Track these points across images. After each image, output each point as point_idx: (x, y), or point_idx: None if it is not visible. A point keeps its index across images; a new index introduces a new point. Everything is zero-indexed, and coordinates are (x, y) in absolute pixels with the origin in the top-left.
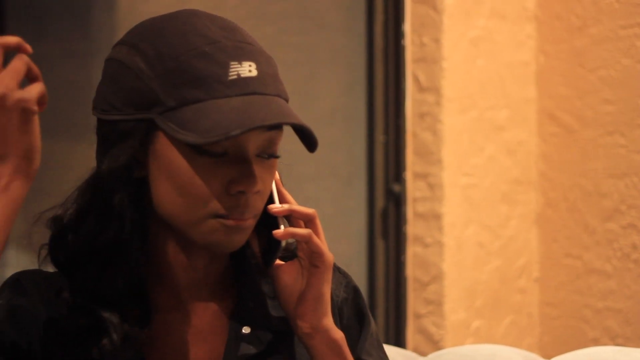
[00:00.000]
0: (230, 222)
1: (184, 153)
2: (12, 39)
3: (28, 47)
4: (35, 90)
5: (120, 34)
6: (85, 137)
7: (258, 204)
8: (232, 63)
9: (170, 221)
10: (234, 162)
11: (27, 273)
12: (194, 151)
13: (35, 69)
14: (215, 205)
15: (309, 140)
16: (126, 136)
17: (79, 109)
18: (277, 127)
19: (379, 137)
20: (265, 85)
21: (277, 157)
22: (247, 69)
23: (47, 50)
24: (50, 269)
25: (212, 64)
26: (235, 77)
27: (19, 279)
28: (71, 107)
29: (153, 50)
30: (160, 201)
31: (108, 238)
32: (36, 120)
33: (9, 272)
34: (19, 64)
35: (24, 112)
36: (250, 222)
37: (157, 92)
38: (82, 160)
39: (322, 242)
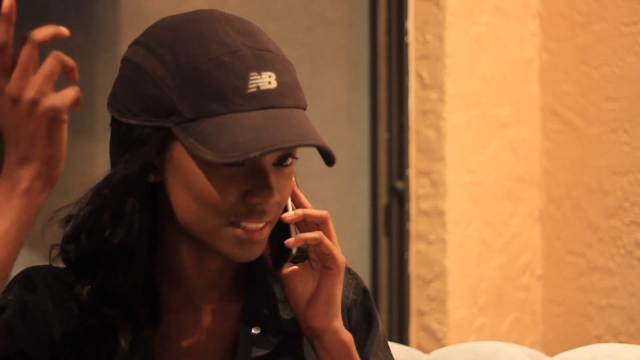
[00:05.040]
0: (245, 235)
1: (200, 163)
2: (46, 31)
3: (64, 31)
4: (68, 97)
5: (124, 31)
6: (87, 134)
7: (275, 212)
8: (252, 74)
9: (186, 227)
10: (250, 173)
11: (37, 269)
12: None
13: (70, 62)
14: (231, 213)
15: (327, 157)
16: (142, 143)
17: (82, 106)
18: None
19: (382, 135)
20: (285, 97)
21: (295, 158)
22: (267, 81)
23: (50, 48)
24: (60, 264)
25: (231, 76)
26: (254, 89)
27: (28, 274)
28: None
29: (172, 57)
30: (177, 207)
31: (116, 242)
32: (64, 128)
33: (13, 270)
34: (53, 63)
35: (54, 121)
36: (265, 233)
37: (175, 101)
38: (84, 157)
39: (334, 244)
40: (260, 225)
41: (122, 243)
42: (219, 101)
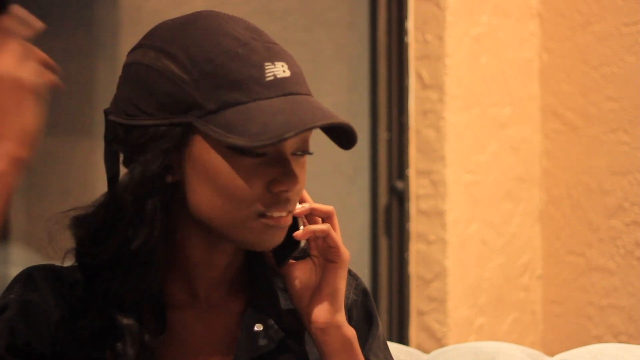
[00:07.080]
0: (272, 222)
1: (224, 155)
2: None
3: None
4: (34, 70)
5: (123, 31)
6: (87, 134)
7: (295, 200)
8: (267, 64)
9: (208, 223)
10: (273, 162)
11: (39, 268)
12: (235, 153)
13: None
14: (258, 204)
15: (348, 137)
16: (159, 141)
17: (81, 106)
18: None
19: (383, 134)
20: (299, 84)
21: (310, 153)
22: (281, 70)
23: (50, 48)
24: (63, 263)
25: (248, 66)
26: (272, 78)
27: (30, 273)
28: (73, 105)
29: (184, 53)
30: (197, 204)
31: (138, 243)
32: (35, 105)
33: (11, 269)
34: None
35: (26, 93)
36: (289, 220)
37: (195, 96)
38: (84, 157)
39: (338, 238)
40: (284, 213)
41: (143, 245)
42: (240, 90)
